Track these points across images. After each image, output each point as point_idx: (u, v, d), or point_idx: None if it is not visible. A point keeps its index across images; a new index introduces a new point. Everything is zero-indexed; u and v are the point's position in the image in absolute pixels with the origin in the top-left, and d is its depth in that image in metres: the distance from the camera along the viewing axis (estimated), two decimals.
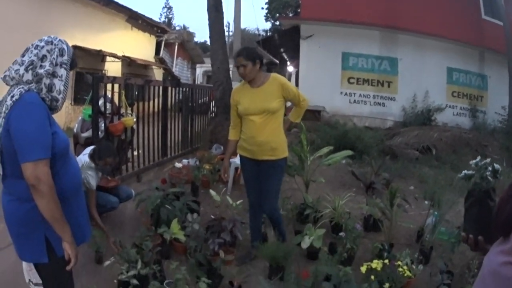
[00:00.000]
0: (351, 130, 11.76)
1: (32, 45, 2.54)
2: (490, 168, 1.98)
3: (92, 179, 4.92)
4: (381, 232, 5.80)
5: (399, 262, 4.39)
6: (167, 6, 73.68)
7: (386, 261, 4.33)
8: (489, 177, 1.96)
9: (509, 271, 1.45)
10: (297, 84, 20.28)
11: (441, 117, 16.59)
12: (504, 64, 16.73)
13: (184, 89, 9.91)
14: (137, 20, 21.75)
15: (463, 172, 2.09)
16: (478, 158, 2.06)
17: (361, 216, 6.23)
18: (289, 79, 31.20)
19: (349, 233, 4.93)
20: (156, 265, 4.02)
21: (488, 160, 2.06)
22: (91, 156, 5.00)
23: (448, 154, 11.88)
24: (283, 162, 4.64)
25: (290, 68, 30.42)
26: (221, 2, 10.15)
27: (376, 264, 4.22)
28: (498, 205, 1.65)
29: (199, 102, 10.83)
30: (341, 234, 5.00)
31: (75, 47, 15.62)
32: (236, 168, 7.35)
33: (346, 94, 16.99)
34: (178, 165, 7.92)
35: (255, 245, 4.84)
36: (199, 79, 41.06)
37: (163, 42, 25.82)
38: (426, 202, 7.36)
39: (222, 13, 10.21)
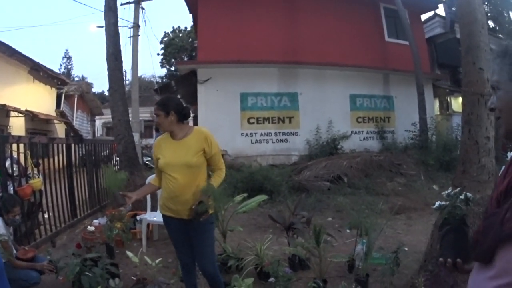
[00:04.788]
0: (257, 171, 11.73)
1: None
2: (462, 197, 2.07)
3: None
4: (309, 270, 5.70)
5: None
6: (67, 56, 71.37)
7: None
8: (461, 206, 2.05)
9: None
10: None
11: (348, 144, 16.96)
12: (410, 82, 17.50)
13: (87, 145, 9.58)
14: (38, 72, 20.94)
15: (437, 203, 2.16)
16: (449, 189, 2.09)
17: (285, 257, 6.09)
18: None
19: (281, 278, 4.77)
20: None
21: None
22: None
23: (361, 179, 12.15)
24: (212, 218, 4.29)
25: None
26: (120, 51, 10.04)
27: None
28: (475, 236, 1.70)
29: (102, 155, 10.49)
30: (270, 280, 4.84)
31: None
32: (148, 225, 7.18)
33: (247, 135, 16.92)
34: (90, 228, 7.52)
35: None
36: (99, 131, 40.33)
37: (63, 95, 25.15)
38: (348, 231, 7.39)
39: (121, 62, 10.08)
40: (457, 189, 2.10)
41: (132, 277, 5.52)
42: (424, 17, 22.38)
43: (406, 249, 5.73)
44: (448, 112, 22.74)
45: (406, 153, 15.44)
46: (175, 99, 4.41)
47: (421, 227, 7.95)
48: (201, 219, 3.96)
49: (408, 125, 17.15)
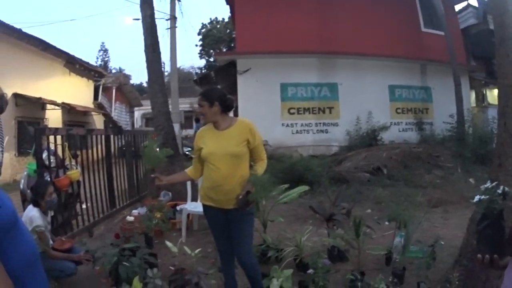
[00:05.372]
0: (298, 161, 11.73)
1: None
2: (499, 191, 2.04)
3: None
4: (348, 262, 5.69)
5: None
6: (103, 48, 71.91)
7: None
8: (498, 200, 2.02)
9: None
10: None
11: (387, 135, 16.76)
12: (447, 73, 17.16)
13: (126, 136, 9.73)
14: (74, 65, 21.36)
15: (476, 197, 2.13)
16: (488, 183, 2.02)
17: (324, 248, 6.07)
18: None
19: (319, 269, 4.71)
20: None
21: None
22: (35, 201, 5.02)
23: (400, 171, 12.05)
24: (252, 208, 4.28)
25: None
26: (158, 42, 10.04)
27: None
28: (511, 231, 1.79)
29: (142, 146, 10.62)
30: (309, 271, 4.78)
31: (16, 95, 15.39)
32: (187, 215, 7.20)
33: (287, 125, 16.91)
34: (129, 218, 7.62)
35: None
36: (138, 123, 40.61)
37: (100, 87, 25.59)
38: (387, 223, 7.32)
39: (159, 53, 10.08)
40: (494, 183, 2.06)
41: (171, 267, 5.50)
42: (457, 7, 21.97)
43: (442, 243, 5.68)
44: (483, 104, 22.37)
45: (444, 145, 15.23)
46: (218, 90, 4.42)
47: (457, 220, 7.82)
48: (248, 208, 3.99)
49: (446, 116, 16.79)
